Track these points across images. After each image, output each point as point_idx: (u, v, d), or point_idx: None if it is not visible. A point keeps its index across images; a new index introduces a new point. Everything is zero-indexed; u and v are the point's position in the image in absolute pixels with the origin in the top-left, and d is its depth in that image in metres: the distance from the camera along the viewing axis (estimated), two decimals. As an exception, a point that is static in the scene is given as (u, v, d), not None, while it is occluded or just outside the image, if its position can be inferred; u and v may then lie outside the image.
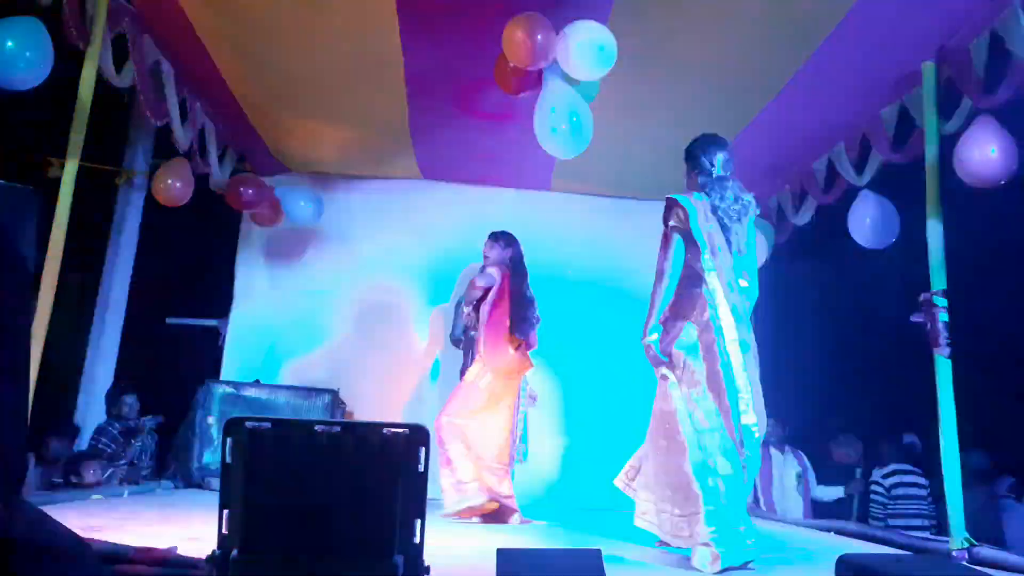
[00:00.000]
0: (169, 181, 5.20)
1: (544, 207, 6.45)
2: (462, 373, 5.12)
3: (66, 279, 3.77)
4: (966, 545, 3.60)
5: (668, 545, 3.37)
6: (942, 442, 3.76)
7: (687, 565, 3.13)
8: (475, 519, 4.53)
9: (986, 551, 3.55)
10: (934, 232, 3.96)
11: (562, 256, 6.18)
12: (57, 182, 3.81)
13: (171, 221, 5.73)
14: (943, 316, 3.84)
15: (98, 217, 5.95)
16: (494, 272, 4.84)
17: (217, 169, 5.58)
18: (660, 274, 3.32)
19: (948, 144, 3.97)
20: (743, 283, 3.37)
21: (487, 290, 4.80)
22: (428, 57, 4.53)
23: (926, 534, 4.84)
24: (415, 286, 6.27)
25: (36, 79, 3.72)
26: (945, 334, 3.83)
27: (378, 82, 4.86)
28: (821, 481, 5.94)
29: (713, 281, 3.26)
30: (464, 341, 5.38)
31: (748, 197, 3.46)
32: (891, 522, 5.32)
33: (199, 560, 2.09)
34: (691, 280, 3.33)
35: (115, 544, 2.39)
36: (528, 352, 4.83)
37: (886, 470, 5.48)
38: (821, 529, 4.87)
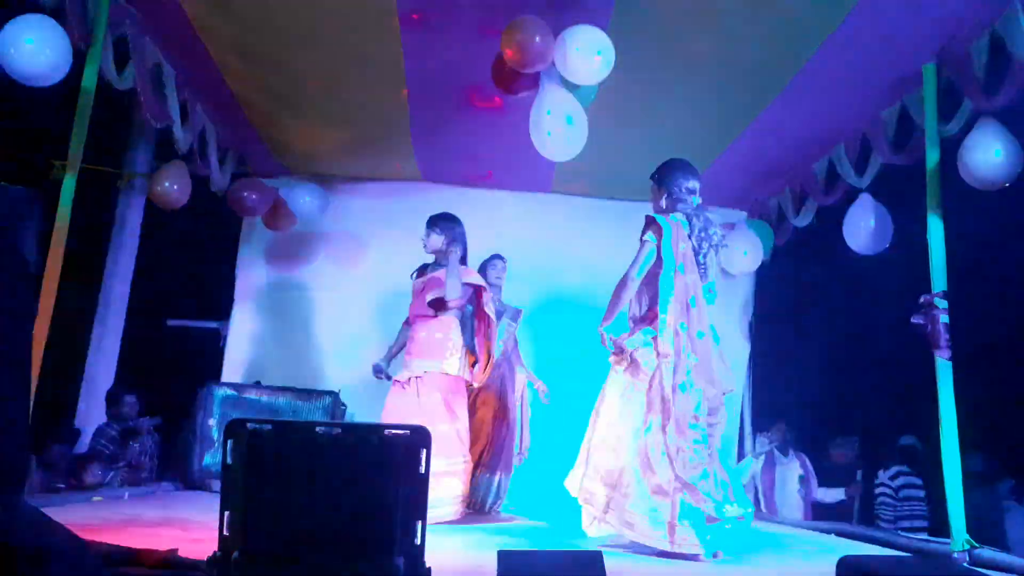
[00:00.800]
0: (166, 184, 5.20)
1: (544, 209, 6.46)
2: None
3: (67, 281, 3.78)
4: (967, 547, 3.60)
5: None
6: (943, 444, 3.76)
7: (688, 565, 3.13)
8: None
9: (987, 553, 3.55)
10: (935, 234, 3.96)
11: (561, 258, 6.18)
12: (59, 184, 3.81)
13: (172, 223, 5.74)
14: (944, 318, 3.85)
15: (99, 219, 5.95)
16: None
17: (218, 171, 5.59)
18: (626, 279, 3.65)
19: (949, 146, 3.97)
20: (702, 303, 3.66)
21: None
22: (429, 58, 4.53)
23: (924, 535, 4.85)
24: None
25: (57, 75, 3.73)
26: (946, 336, 3.83)
27: (379, 84, 4.86)
28: (821, 483, 5.95)
29: (669, 297, 3.58)
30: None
31: (716, 230, 3.77)
32: (900, 523, 5.34)
33: (200, 562, 2.09)
34: (653, 290, 3.66)
35: (116, 546, 2.39)
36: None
37: (891, 472, 5.49)
38: (822, 531, 4.87)
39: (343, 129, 5.63)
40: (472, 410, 5.37)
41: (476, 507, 5.20)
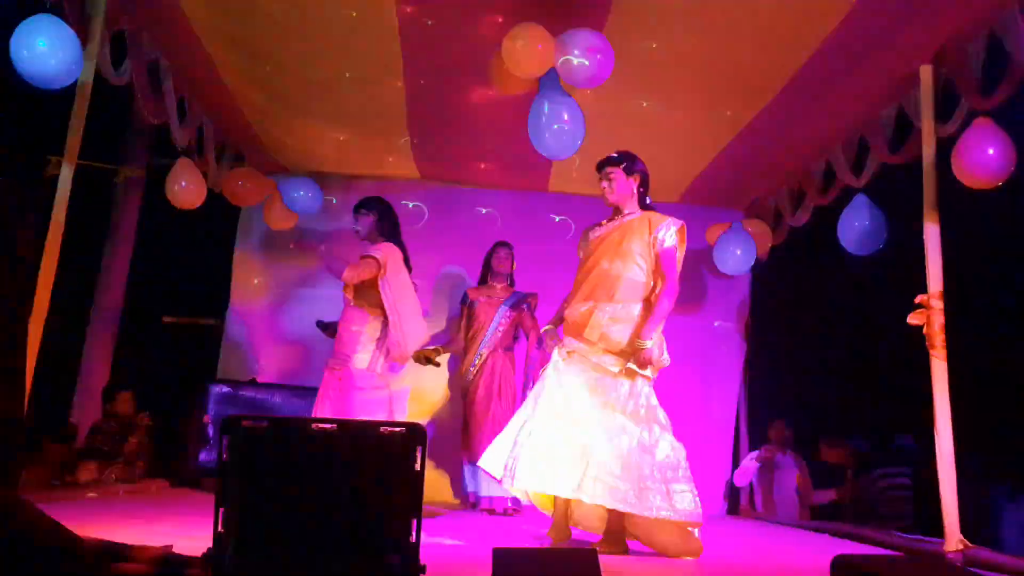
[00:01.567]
0: (183, 183, 5.19)
1: (541, 207, 6.46)
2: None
3: (63, 277, 3.77)
4: (961, 547, 3.60)
5: None
6: (938, 444, 3.76)
7: (683, 564, 3.13)
8: None
9: (982, 553, 3.56)
10: (931, 234, 3.97)
11: (559, 257, 6.17)
12: (55, 180, 3.80)
13: (168, 220, 5.73)
14: (940, 318, 3.85)
15: (96, 215, 5.94)
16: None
17: (215, 168, 5.57)
18: (676, 292, 3.61)
19: (946, 146, 3.97)
20: None
21: None
22: (427, 56, 4.53)
23: (918, 535, 4.89)
24: (415, 286, 6.26)
25: (70, 77, 3.72)
26: (942, 336, 3.83)
27: (377, 81, 4.86)
28: (815, 484, 5.97)
29: None
30: None
31: None
32: (885, 523, 5.39)
33: (195, 558, 2.09)
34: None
35: (110, 542, 2.38)
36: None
37: (875, 474, 5.58)
38: (816, 530, 4.88)
39: (341, 127, 5.63)
40: (471, 400, 5.37)
41: (470, 502, 5.18)
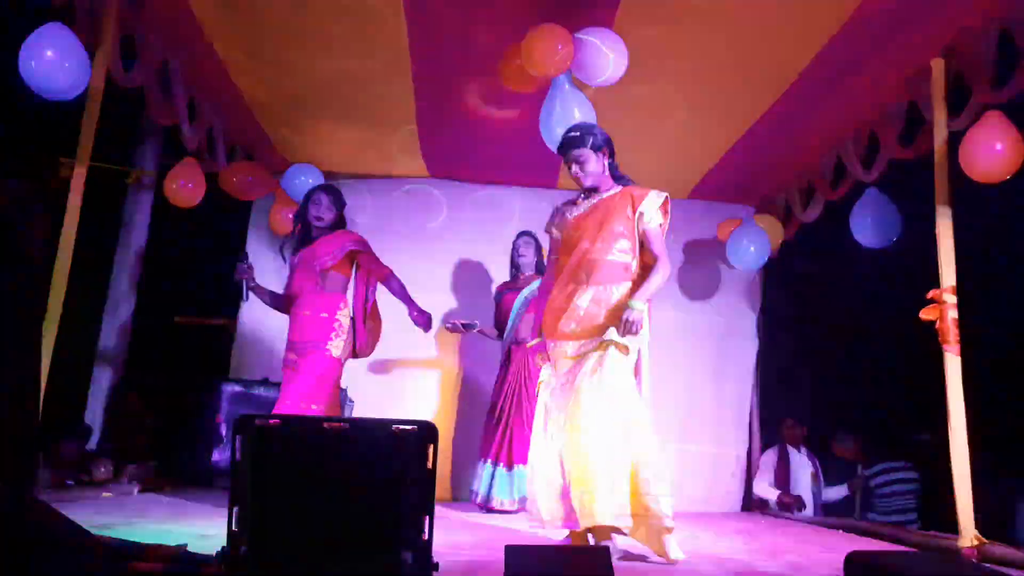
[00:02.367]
0: (181, 182, 5.22)
1: (551, 205, 6.44)
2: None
3: (76, 278, 3.79)
4: (976, 543, 3.58)
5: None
6: (952, 439, 3.75)
7: (693, 563, 3.13)
8: None
9: (997, 548, 3.54)
10: (943, 228, 3.95)
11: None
12: (67, 182, 3.83)
13: (179, 220, 5.76)
14: (953, 313, 3.83)
15: (108, 217, 5.97)
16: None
17: (226, 168, 5.59)
18: (669, 268, 3.42)
19: (957, 140, 3.95)
20: None
21: None
22: (436, 55, 4.53)
23: (913, 528, 4.90)
24: (422, 284, 6.26)
25: (77, 89, 3.73)
26: (955, 331, 3.81)
27: (386, 81, 4.86)
28: (827, 481, 5.96)
29: None
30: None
31: None
32: (873, 516, 5.44)
33: (209, 557, 2.10)
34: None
35: (125, 541, 2.40)
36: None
37: (875, 469, 5.59)
38: (831, 527, 4.86)
39: (350, 126, 5.64)
40: (497, 395, 5.35)
41: (481, 502, 5.15)
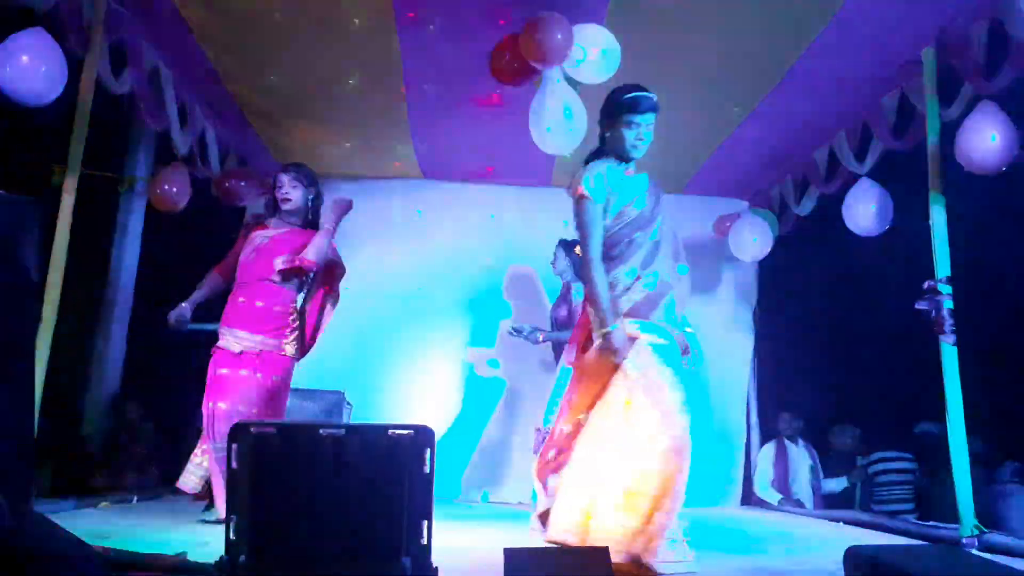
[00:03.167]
0: (166, 187, 5.21)
1: (545, 203, 6.45)
2: None
3: (70, 287, 3.78)
4: (975, 532, 3.59)
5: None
6: (949, 429, 3.76)
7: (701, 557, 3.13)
8: None
9: (996, 538, 3.55)
10: (937, 219, 3.95)
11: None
12: (59, 190, 3.82)
13: (173, 226, 5.73)
14: (948, 303, 3.84)
15: (101, 224, 5.94)
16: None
17: (219, 173, 5.58)
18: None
19: (949, 130, 3.95)
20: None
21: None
22: (427, 55, 4.52)
23: (910, 518, 4.92)
24: (418, 285, 6.27)
25: (53, 94, 3.71)
26: (950, 321, 3.82)
27: (377, 81, 4.86)
28: (825, 473, 5.97)
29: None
30: None
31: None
32: (874, 507, 5.46)
33: (208, 566, 2.10)
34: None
35: (124, 551, 2.39)
36: None
37: (872, 457, 5.61)
38: (830, 520, 4.87)
39: (342, 128, 5.63)
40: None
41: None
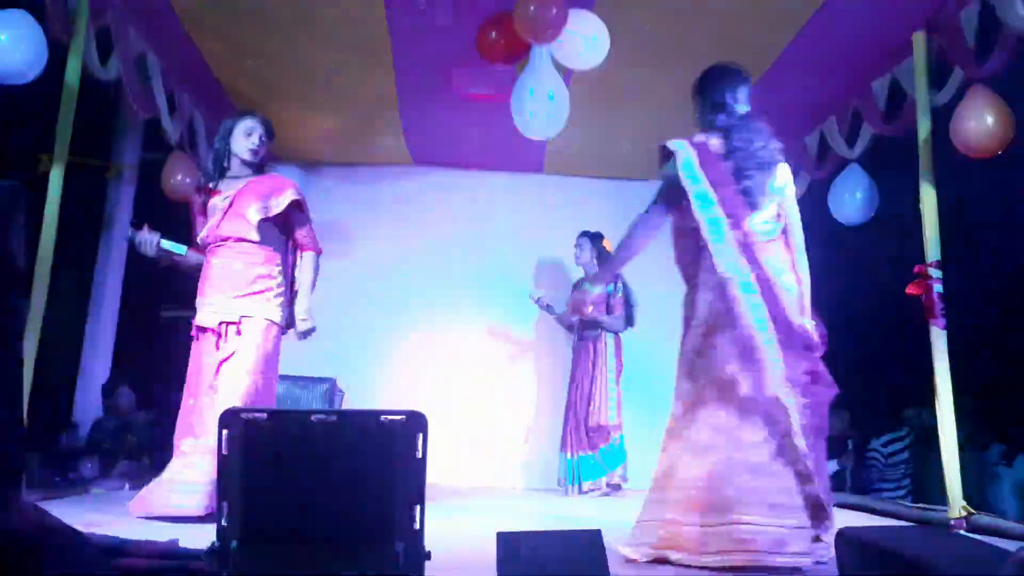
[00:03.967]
0: (179, 177, 5.19)
1: (537, 190, 6.44)
2: None
3: (59, 275, 3.76)
4: (964, 514, 3.62)
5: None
6: (939, 412, 3.78)
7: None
8: None
9: (984, 519, 3.58)
10: (928, 203, 3.96)
11: (555, 239, 6.16)
12: (46, 177, 3.78)
13: (162, 212, 5.70)
14: (938, 287, 3.85)
15: (89, 211, 5.91)
16: None
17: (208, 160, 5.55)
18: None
19: (940, 115, 3.96)
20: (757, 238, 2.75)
21: None
22: (417, 41, 4.50)
23: (908, 500, 4.96)
24: (408, 272, 6.26)
25: (33, 72, 3.68)
26: (940, 305, 3.84)
27: (367, 68, 4.83)
28: None
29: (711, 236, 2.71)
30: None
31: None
32: (883, 487, 5.50)
33: (200, 552, 2.09)
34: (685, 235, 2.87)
35: (115, 537, 2.39)
36: None
37: (883, 439, 5.64)
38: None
39: (331, 114, 5.60)
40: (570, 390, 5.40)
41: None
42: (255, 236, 3.49)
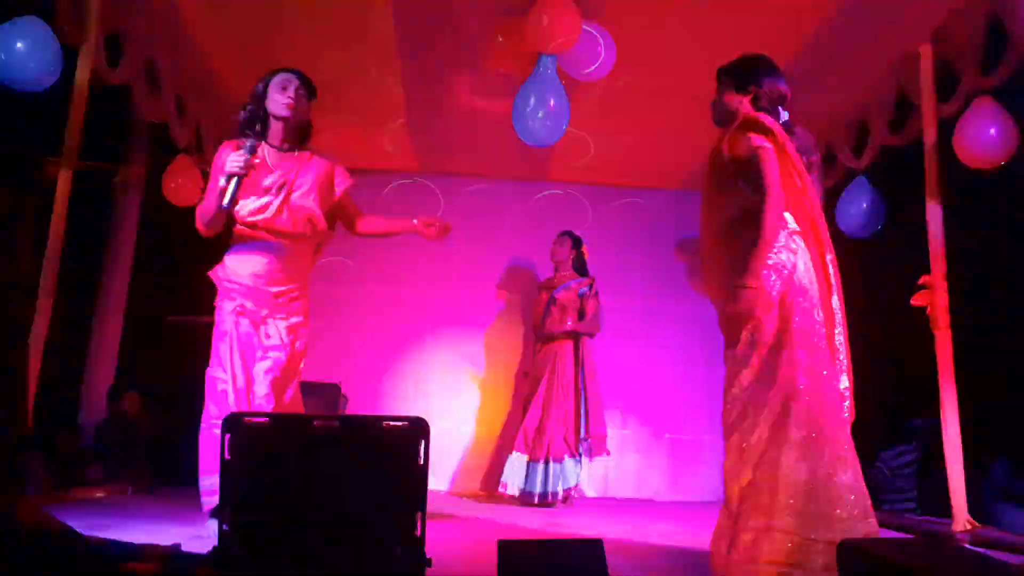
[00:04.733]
0: (180, 180, 5.21)
1: (543, 197, 6.45)
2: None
3: (65, 279, 3.77)
4: (969, 527, 3.60)
5: None
6: (944, 424, 3.76)
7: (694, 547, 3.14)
8: None
9: (988, 532, 3.56)
10: (934, 214, 3.95)
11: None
12: (54, 182, 3.80)
13: (169, 218, 5.72)
14: (944, 298, 3.84)
15: (96, 216, 5.93)
16: None
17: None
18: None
19: (947, 126, 3.95)
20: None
21: None
22: (425, 48, 4.51)
23: (916, 512, 4.93)
24: (414, 278, 6.26)
25: (48, 80, 3.71)
26: (946, 316, 3.83)
27: (375, 74, 4.84)
28: None
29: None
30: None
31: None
32: (890, 498, 5.45)
33: (203, 557, 2.09)
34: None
35: (118, 542, 2.39)
36: None
37: (896, 451, 5.60)
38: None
39: (340, 121, 5.60)
40: (522, 388, 5.38)
41: (535, 499, 5.12)
42: (307, 228, 3.30)
